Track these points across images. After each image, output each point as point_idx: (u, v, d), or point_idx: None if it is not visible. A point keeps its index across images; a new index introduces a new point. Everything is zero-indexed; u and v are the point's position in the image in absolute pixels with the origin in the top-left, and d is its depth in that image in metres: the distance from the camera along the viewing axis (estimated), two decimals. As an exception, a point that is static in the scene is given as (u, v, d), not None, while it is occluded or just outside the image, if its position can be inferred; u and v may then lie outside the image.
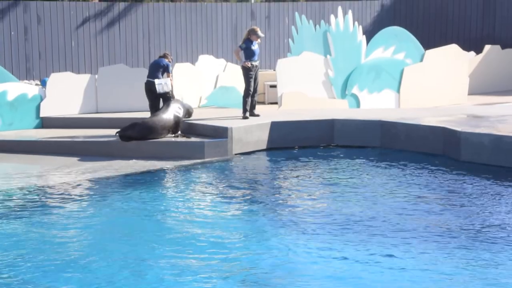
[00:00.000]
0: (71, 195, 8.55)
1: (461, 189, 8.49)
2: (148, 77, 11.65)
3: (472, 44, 18.15)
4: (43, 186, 9.04)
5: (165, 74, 11.59)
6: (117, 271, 5.94)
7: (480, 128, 10.22)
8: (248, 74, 11.75)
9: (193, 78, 13.94)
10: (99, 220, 7.59)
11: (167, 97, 11.52)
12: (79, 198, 8.46)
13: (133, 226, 7.32)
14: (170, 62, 11.76)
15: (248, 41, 11.82)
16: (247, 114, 11.74)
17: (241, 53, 11.88)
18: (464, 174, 9.19)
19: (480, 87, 16.59)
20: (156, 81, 11.44)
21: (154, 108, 11.54)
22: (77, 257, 6.26)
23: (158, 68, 11.55)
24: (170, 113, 11.12)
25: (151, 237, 6.91)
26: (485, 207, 7.72)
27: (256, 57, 11.81)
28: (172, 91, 11.63)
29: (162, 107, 11.35)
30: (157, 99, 11.62)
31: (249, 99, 11.78)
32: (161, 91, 11.46)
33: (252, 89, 11.77)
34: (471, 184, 8.74)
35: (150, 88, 11.57)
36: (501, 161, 9.47)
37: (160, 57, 11.87)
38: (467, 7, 19.54)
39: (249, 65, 11.71)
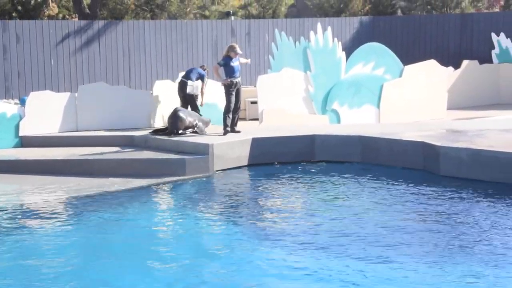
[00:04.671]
0: (50, 215, 8.48)
1: (440, 203, 8.54)
2: (182, 77, 12.82)
3: (451, 60, 18.33)
4: (21, 206, 8.96)
5: (199, 81, 12.79)
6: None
7: (458, 143, 10.31)
8: (229, 90, 11.79)
9: (174, 95, 13.91)
10: (77, 240, 7.54)
11: (193, 99, 12.63)
12: (58, 218, 8.39)
13: (112, 245, 7.28)
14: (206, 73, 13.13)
15: (227, 58, 11.86)
16: (228, 128, 11.76)
17: (221, 70, 11.93)
18: (443, 188, 9.24)
19: (459, 101, 16.74)
20: (189, 82, 12.63)
21: (185, 106, 12.58)
22: (51, 277, 6.20)
23: (195, 73, 12.81)
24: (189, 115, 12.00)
25: (129, 255, 6.87)
26: (463, 220, 7.77)
27: (237, 74, 11.84)
28: (202, 97, 12.82)
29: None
30: (186, 99, 12.66)
31: (230, 115, 11.81)
32: (191, 92, 12.63)
33: (232, 105, 11.79)
34: (450, 198, 8.80)
35: (182, 87, 12.69)
36: (480, 175, 9.55)
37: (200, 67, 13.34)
38: (445, 23, 19.77)
39: (229, 82, 11.76)
